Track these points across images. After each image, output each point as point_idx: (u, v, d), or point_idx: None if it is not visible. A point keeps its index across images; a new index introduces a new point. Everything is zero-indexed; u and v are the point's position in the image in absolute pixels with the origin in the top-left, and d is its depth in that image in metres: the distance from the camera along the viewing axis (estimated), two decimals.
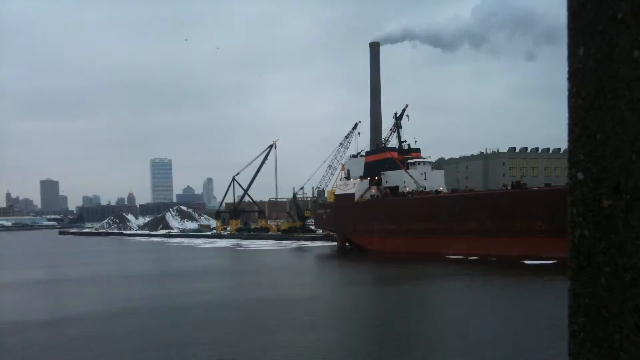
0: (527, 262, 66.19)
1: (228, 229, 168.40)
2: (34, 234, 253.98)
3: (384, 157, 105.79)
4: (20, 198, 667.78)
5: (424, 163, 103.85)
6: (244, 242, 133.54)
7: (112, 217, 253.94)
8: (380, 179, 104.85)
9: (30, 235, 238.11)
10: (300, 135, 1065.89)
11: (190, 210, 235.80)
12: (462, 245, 78.83)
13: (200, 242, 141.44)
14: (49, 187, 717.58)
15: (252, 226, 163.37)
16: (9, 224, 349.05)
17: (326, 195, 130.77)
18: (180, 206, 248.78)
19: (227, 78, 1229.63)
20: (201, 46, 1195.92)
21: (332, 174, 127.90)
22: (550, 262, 61.91)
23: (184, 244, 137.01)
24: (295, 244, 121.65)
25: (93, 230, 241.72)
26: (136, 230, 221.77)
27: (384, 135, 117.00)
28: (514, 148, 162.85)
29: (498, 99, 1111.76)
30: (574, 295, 1.61)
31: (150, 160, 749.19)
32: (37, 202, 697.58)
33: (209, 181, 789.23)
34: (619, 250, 1.47)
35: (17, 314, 40.34)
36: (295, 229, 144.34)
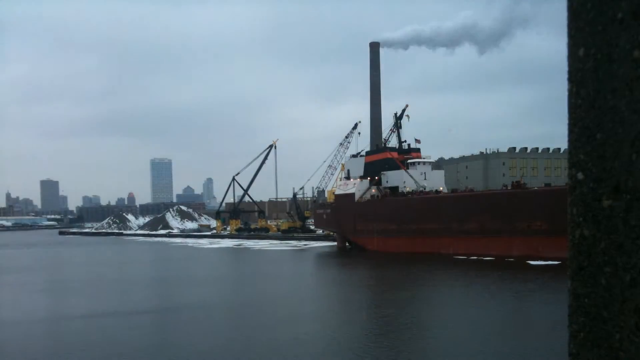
0: (532, 262, 66.00)
1: (228, 228, 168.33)
2: (34, 234, 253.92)
3: (384, 157, 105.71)
4: (20, 198, 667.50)
5: (424, 163, 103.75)
6: (248, 242, 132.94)
7: (112, 217, 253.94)
8: (380, 179, 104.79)
9: (30, 236, 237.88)
10: (300, 135, 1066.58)
11: (190, 210, 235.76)
12: (462, 245, 78.87)
13: (205, 243, 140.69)
14: (49, 187, 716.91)
15: (252, 226, 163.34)
16: (9, 224, 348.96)
17: (326, 195, 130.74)
18: (180, 206, 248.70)
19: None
20: None
21: (332, 174, 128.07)
22: (555, 262, 61.64)
23: (190, 245, 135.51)
24: (301, 243, 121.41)
25: (93, 230, 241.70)
26: (136, 230, 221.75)
27: (384, 135, 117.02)
28: (514, 148, 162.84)
29: None
30: (574, 295, 1.61)
31: (150, 160, 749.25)
32: (37, 202, 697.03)
33: (209, 181, 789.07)
34: (619, 250, 1.47)
35: None
36: (295, 229, 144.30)
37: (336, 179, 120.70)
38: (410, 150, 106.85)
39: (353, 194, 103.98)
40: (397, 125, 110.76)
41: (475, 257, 74.60)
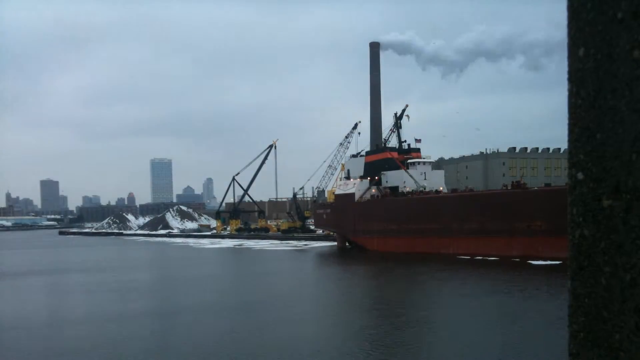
0: (533, 262, 65.93)
1: (228, 229, 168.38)
2: (34, 234, 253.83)
3: (384, 157, 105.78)
4: (20, 198, 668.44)
5: (424, 163, 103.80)
6: (248, 242, 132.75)
7: (112, 217, 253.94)
8: (380, 179, 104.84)
9: (30, 236, 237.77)
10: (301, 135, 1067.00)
11: (190, 210, 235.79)
12: (462, 246, 78.89)
13: (206, 243, 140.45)
14: (49, 187, 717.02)
15: (252, 226, 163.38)
16: (9, 224, 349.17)
17: (326, 195, 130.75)
18: (180, 206, 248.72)
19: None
20: None
21: (332, 174, 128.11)
22: (556, 262, 61.62)
23: (191, 245, 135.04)
24: (301, 243, 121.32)
25: (93, 230, 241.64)
26: (136, 230, 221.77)
27: (384, 135, 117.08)
28: (514, 148, 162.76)
29: None
30: (574, 295, 1.62)
31: (150, 160, 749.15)
32: (37, 202, 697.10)
33: (209, 181, 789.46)
34: (619, 250, 1.47)
35: None
36: (295, 229, 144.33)
37: (336, 179, 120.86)
38: (410, 150, 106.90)
39: (353, 194, 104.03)
40: (397, 125, 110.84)
41: (480, 257, 74.54)
